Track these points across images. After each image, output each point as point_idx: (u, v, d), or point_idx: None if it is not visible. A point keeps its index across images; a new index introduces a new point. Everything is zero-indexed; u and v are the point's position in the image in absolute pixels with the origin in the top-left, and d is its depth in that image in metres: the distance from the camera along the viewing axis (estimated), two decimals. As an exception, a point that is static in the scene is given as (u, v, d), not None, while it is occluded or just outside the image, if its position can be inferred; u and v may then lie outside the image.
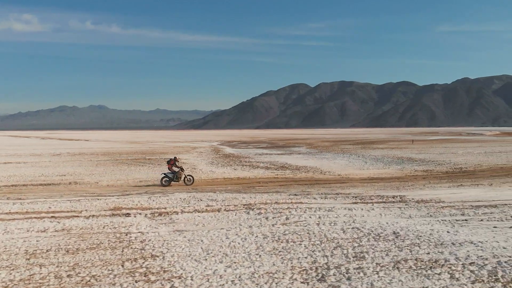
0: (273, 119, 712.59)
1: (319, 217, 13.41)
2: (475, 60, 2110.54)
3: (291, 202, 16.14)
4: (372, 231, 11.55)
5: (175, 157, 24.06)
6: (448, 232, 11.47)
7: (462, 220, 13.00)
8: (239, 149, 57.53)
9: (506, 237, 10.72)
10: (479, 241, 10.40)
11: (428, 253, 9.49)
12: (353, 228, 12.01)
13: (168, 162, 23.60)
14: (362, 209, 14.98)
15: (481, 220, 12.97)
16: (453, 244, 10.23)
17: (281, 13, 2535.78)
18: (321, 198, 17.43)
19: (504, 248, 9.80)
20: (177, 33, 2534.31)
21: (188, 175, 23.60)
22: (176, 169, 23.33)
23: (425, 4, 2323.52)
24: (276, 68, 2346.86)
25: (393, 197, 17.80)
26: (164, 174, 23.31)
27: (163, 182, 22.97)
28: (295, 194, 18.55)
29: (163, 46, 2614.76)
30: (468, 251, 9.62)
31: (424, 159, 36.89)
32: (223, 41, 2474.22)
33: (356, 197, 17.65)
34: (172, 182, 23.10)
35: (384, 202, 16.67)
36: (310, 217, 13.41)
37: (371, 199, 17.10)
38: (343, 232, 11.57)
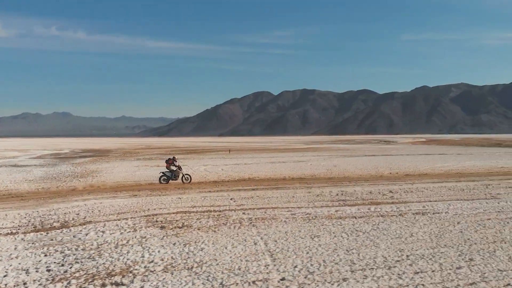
0: (237, 126, 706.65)
1: None
2: (434, 68, 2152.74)
3: None
4: None
5: (173, 157, 24.52)
6: None
7: None
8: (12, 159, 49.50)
9: None
10: None
11: None
12: None
13: (167, 161, 23.98)
14: None
15: None
16: None
17: (248, 21, 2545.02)
18: None
19: None
20: (144, 40, 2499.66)
21: (185, 174, 23.96)
22: (174, 168, 23.66)
23: (389, 13, 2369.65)
24: (241, 75, 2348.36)
25: None
26: (163, 173, 23.69)
27: (162, 181, 23.31)
28: None
29: (129, 53, 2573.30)
30: None
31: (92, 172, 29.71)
32: (190, 48, 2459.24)
33: None
34: (171, 181, 23.41)
35: None
36: None
37: None
38: None
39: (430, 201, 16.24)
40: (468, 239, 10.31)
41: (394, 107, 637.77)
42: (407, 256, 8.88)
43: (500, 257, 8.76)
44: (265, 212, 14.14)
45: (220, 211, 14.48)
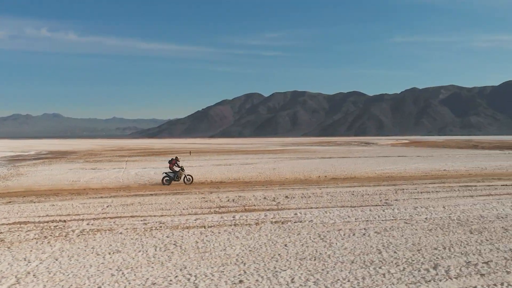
0: (228, 128, 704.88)
1: None
2: (424, 70, 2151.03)
3: None
4: None
5: (176, 157, 24.36)
6: None
7: None
8: None
9: None
10: None
11: None
12: None
13: (170, 162, 23.91)
14: None
15: None
16: None
17: (239, 23, 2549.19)
18: None
19: None
20: (135, 41, 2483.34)
21: (187, 175, 23.86)
22: (177, 169, 23.67)
23: (379, 16, 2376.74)
24: (232, 77, 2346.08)
25: None
26: (165, 173, 23.66)
27: (164, 182, 23.25)
28: None
29: (120, 54, 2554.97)
30: None
31: None
32: (181, 50, 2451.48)
33: None
34: (173, 182, 23.46)
35: None
36: None
37: None
38: None
39: (311, 208, 15.19)
40: (279, 254, 9.22)
41: (384, 109, 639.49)
42: (176, 276, 7.75)
43: (278, 279, 7.63)
44: (114, 222, 12.99)
45: (67, 221, 13.28)
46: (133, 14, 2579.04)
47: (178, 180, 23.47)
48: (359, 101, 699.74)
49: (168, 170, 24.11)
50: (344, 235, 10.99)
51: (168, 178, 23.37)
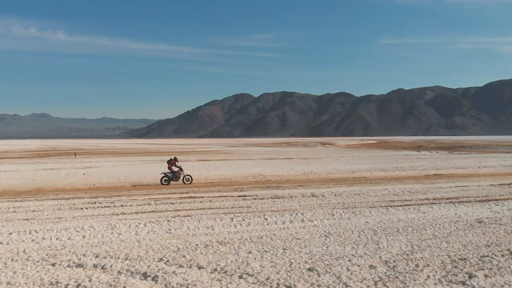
0: (217, 128, 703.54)
1: None
2: (410, 72, 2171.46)
3: None
4: None
5: (175, 157, 24.24)
6: None
7: None
8: None
9: None
10: None
11: None
12: None
13: (168, 162, 23.83)
14: None
15: None
16: None
17: (230, 24, 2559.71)
18: None
19: None
20: (125, 41, 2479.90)
21: (186, 175, 23.68)
22: (175, 169, 23.58)
23: (367, 18, 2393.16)
24: (223, 78, 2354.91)
25: None
26: (164, 173, 23.49)
27: (163, 182, 23.14)
28: None
29: (110, 54, 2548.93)
30: None
31: None
32: (172, 50, 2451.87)
33: None
34: (172, 182, 23.39)
35: None
36: None
37: None
38: None
39: None
40: None
41: (370, 110, 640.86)
42: None
43: None
44: None
45: None
46: (122, 14, 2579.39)
47: (177, 180, 23.33)
48: (346, 102, 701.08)
49: (167, 170, 24.00)
50: None
51: (166, 178, 23.20)
